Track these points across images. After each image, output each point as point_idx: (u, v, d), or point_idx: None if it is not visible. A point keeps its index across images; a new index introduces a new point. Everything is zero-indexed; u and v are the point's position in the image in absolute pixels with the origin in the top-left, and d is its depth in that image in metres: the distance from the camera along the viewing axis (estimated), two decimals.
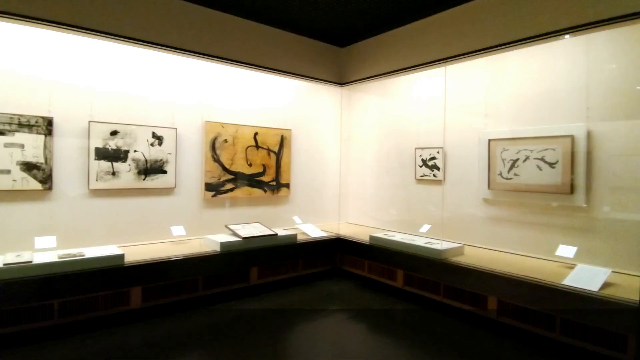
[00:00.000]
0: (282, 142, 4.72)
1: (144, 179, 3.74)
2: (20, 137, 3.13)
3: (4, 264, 2.68)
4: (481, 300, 3.22)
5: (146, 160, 3.75)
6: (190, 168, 4.06)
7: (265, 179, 4.59)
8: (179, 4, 3.54)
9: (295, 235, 4.21)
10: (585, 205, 3.17)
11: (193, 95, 4.05)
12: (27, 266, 2.74)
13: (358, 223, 5.29)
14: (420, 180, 4.45)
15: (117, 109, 3.60)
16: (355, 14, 3.95)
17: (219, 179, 4.23)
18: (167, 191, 3.92)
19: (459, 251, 3.67)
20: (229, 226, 4.03)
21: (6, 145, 3.07)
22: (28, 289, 2.70)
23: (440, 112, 4.18)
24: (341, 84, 4.91)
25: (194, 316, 3.33)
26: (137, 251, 3.45)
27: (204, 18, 3.71)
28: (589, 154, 3.15)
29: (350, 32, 4.46)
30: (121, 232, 3.64)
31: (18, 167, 3.13)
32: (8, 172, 3.09)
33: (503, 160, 3.67)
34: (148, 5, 3.37)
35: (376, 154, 5.03)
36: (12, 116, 3.10)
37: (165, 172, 3.86)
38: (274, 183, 4.67)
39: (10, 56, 3.11)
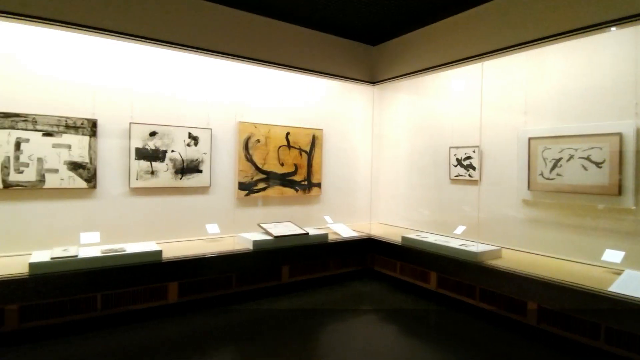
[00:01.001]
0: (314, 141, 4.74)
1: (180, 178, 3.87)
2: (68, 138, 3.32)
3: (52, 258, 2.85)
4: (520, 305, 3.09)
5: (183, 160, 3.87)
6: (224, 167, 4.16)
7: (296, 178, 4.62)
8: (211, 7, 3.63)
9: (326, 235, 4.21)
10: (634, 208, 2.97)
11: (227, 96, 4.15)
12: (73, 260, 2.90)
13: (389, 223, 5.22)
14: (455, 180, 4.33)
15: (155, 111, 3.74)
16: (388, 12, 3.90)
17: (252, 179, 4.30)
18: (203, 190, 4.03)
19: (496, 254, 3.53)
20: (261, 225, 4.09)
21: (54, 146, 3.27)
22: (74, 282, 2.86)
23: (477, 110, 4.04)
24: (373, 82, 4.86)
25: (227, 312, 3.41)
26: (174, 248, 3.57)
27: (237, 20, 3.78)
28: (638, 153, 2.95)
29: (382, 30, 4.41)
30: (159, 229, 3.79)
31: (65, 166, 3.32)
32: (56, 171, 3.28)
33: (544, 159, 3.50)
34: (183, 9, 3.48)
35: (409, 154, 4.94)
36: (60, 118, 3.29)
37: (200, 171, 3.97)
38: (306, 182, 4.69)
39: (59, 62, 3.30)
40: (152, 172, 3.72)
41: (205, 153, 4.00)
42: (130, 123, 3.60)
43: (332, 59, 4.47)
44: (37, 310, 2.80)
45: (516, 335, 3.05)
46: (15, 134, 3.12)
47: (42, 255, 2.92)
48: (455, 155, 4.31)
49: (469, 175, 4.17)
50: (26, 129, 3.16)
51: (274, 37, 4.01)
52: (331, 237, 4.28)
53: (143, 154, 3.67)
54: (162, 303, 3.27)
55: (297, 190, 4.63)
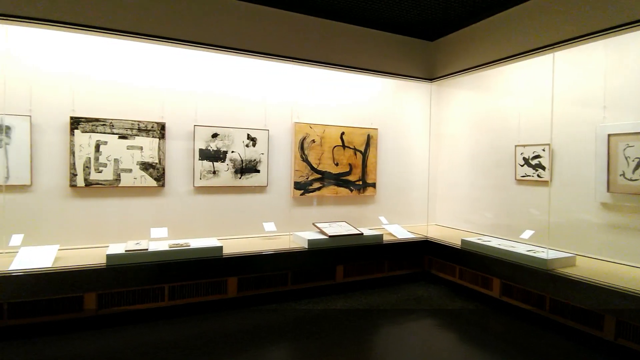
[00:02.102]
0: (369, 141, 4.68)
1: (239, 178, 4.02)
2: (140, 140, 3.60)
3: (126, 250, 3.10)
4: (595, 318, 2.80)
5: (242, 160, 4.03)
6: (280, 167, 4.26)
7: (351, 178, 4.60)
8: (267, 11, 3.70)
9: (381, 236, 4.14)
10: None
11: (283, 98, 4.24)
12: (144, 253, 3.13)
13: (448, 225, 5.01)
14: (522, 181, 4.05)
15: (217, 113, 3.93)
16: (448, 5, 3.74)
17: (307, 178, 4.36)
18: (260, 189, 4.16)
19: (569, 261, 3.25)
20: (316, 224, 4.12)
21: (128, 147, 3.56)
22: (145, 273, 3.09)
23: (547, 105, 3.74)
24: (430, 79, 4.69)
25: (283, 309, 3.48)
26: (234, 244, 3.72)
27: (292, 23, 3.84)
28: None
29: (441, 25, 4.24)
30: (220, 226, 3.97)
31: (138, 166, 3.60)
32: (130, 170, 3.57)
33: (627, 158, 3.15)
34: (241, 16, 3.60)
35: (469, 153, 4.71)
36: (134, 122, 3.57)
37: (258, 171, 4.10)
38: (360, 182, 4.66)
39: (132, 71, 3.58)
40: (214, 172, 3.91)
41: (262, 153, 4.12)
42: (194, 125, 3.81)
43: (388, 56, 4.39)
44: (113, 298, 3.06)
45: (591, 350, 2.78)
46: (95, 137, 3.44)
47: (117, 248, 3.19)
48: (522, 154, 4.02)
49: (538, 176, 3.87)
50: (104, 132, 3.47)
51: (329, 37, 4.03)
52: (386, 238, 4.20)
53: (206, 155, 3.87)
54: (222, 297, 3.42)
55: (351, 190, 4.61)
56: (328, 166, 4.47)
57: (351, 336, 2.99)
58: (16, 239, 3.09)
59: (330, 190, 4.49)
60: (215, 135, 3.90)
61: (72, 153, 3.36)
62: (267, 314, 3.36)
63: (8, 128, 3.17)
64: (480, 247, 3.75)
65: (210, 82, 3.90)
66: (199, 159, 3.85)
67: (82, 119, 3.39)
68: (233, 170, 3.99)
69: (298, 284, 3.74)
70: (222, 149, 3.94)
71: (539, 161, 3.86)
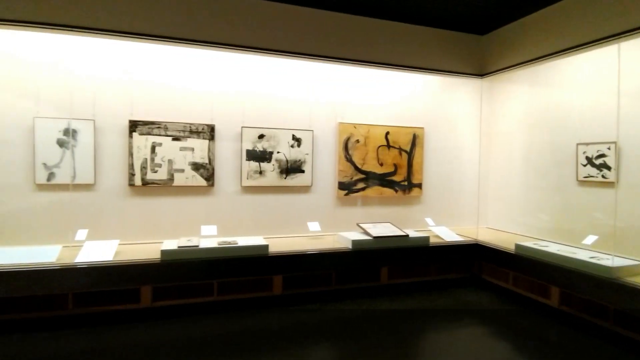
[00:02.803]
0: (415, 140, 4.57)
1: (285, 178, 4.08)
2: (191, 142, 3.76)
3: (179, 247, 3.25)
4: None
5: (287, 161, 4.08)
6: (324, 168, 4.27)
7: (396, 178, 4.51)
8: (310, 12, 3.72)
9: (427, 238, 4.02)
10: None
11: (328, 99, 4.25)
12: (195, 250, 3.27)
13: (500, 229, 4.76)
14: (584, 182, 3.75)
15: (263, 115, 4.01)
16: None
17: (351, 179, 4.33)
18: (305, 189, 4.19)
19: (637, 269, 2.95)
20: (361, 224, 4.09)
21: (181, 149, 3.73)
22: (195, 269, 3.22)
23: (612, 100, 3.44)
24: (481, 75, 4.49)
25: (326, 308, 3.48)
26: (279, 243, 3.78)
27: (335, 22, 3.83)
28: None
29: (492, 18, 4.03)
30: (266, 225, 4.05)
31: (189, 166, 3.77)
32: (182, 171, 3.74)
33: None
34: (284, 17, 3.65)
35: (524, 152, 4.44)
36: (186, 125, 3.74)
37: (303, 171, 4.14)
38: (406, 183, 4.55)
39: (185, 75, 3.76)
40: (260, 172, 4.00)
41: (307, 154, 4.15)
42: (242, 127, 3.92)
43: (435, 53, 4.25)
44: (167, 291, 3.23)
45: None
46: (151, 139, 3.64)
47: (170, 244, 3.35)
48: (584, 153, 3.72)
49: (603, 177, 3.57)
50: (159, 135, 3.66)
51: (374, 36, 3.97)
52: (433, 241, 4.07)
53: (252, 155, 3.97)
54: (267, 294, 3.49)
55: (396, 191, 4.52)
56: (372, 166, 4.41)
57: (395, 339, 2.93)
58: (81, 234, 3.35)
59: (374, 191, 4.43)
60: (261, 136, 3.99)
61: (131, 154, 3.59)
62: (311, 313, 3.38)
63: (75, 131, 3.45)
64: (537, 253, 3.52)
65: (257, 84, 3.99)
66: (246, 160, 3.95)
67: (140, 122, 3.60)
68: (278, 170, 4.06)
69: (342, 284, 3.73)
70: (268, 150, 4.02)
71: (603, 160, 3.55)
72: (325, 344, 2.87)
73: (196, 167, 3.79)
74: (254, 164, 3.98)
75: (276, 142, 4.04)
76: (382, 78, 4.44)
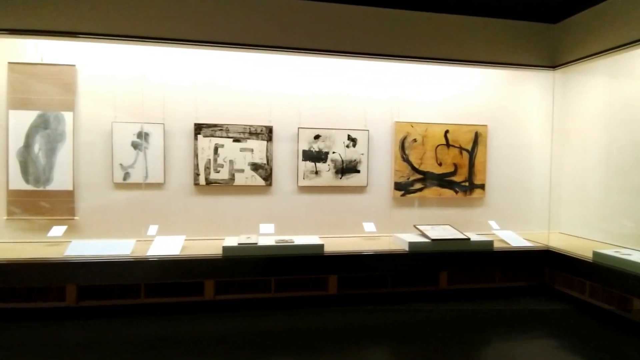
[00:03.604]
0: (477, 139, 4.33)
1: (340, 178, 4.09)
2: (251, 143, 3.91)
3: (239, 243, 3.39)
4: None
5: (342, 161, 4.09)
6: (380, 168, 4.20)
7: (456, 179, 4.32)
8: (363, 10, 3.67)
9: (491, 242, 3.79)
10: None
11: (383, 97, 4.18)
12: (254, 247, 3.38)
13: (574, 234, 4.35)
14: None
15: (319, 116, 4.05)
16: None
17: (408, 179, 4.22)
18: (360, 189, 4.16)
19: None
20: (418, 226, 3.96)
21: (241, 150, 3.89)
22: (254, 266, 3.34)
23: None
24: (553, 67, 4.14)
25: (382, 310, 3.42)
26: (334, 243, 3.79)
27: (391, 19, 3.75)
28: None
29: (566, 4, 3.70)
30: (321, 225, 4.09)
31: (249, 167, 3.91)
32: (242, 171, 3.90)
33: None
34: (338, 17, 3.65)
35: (603, 150, 4.01)
36: (245, 126, 3.89)
37: (358, 171, 4.12)
38: (467, 184, 4.33)
39: (244, 79, 3.91)
40: (316, 172, 4.05)
41: (362, 154, 4.12)
42: (298, 128, 3.99)
43: (501, 45, 4.00)
44: (228, 286, 3.38)
45: None
46: (214, 140, 3.84)
47: (231, 241, 3.50)
48: None
49: None
50: (221, 137, 3.85)
51: (433, 31, 3.83)
52: (497, 245, 3.83)
53: (309, 156, 4.03)
54: (323, 293, 3.51)
55: (456, 192, 4.32)
56: (431, 166, 4.26)
57: (456, 348, 2.79)
58: (152, 229, 3.62)
59: (432, 192, 4.27)
60: (317, 137, 4.03)
61: (196, 155, 3.81)
62: (367, 315, 3.34)
63: (147, 134, 3.74)
64: (618, 261, 3.17)
65: (313, 85, 4.04)
66: (303, 160, 4.02)
67: (204, 125, 3.81)
68: (334, 170, 4.07)
69: (398, 287, 3.65)
70: (324, 150, 4.05)
71: None
72: (383, 346, 2.81)
73: (255, 167, 3.93)
74: (310, 164, 4.03)
75: (332, 142, 4.06)
76: (440, 74, 4.27)
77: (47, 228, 3.52)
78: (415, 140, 4.22)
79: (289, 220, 4.00)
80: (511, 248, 3.84)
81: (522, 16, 3.99)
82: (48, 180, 3.60)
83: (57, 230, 3.51)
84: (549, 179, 4.51)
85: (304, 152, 4.01)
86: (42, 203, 3.59)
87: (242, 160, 3.90)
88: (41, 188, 3.59)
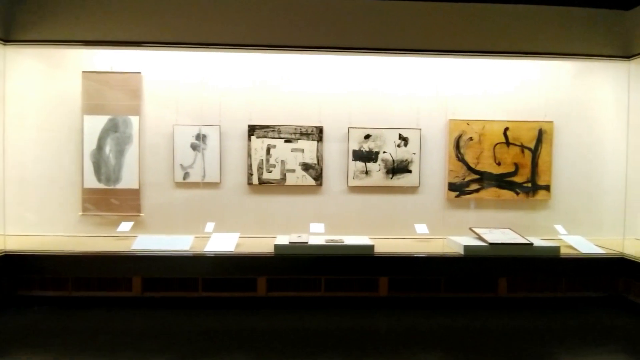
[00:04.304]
0: (540, 136, 4.04)
1: (391, 178, 4.01)
2: (302, 143, 3.96)
3: (290, 242, 3.44)
4: None
5: (393, 161, 4.01)
6: (433, 168, 4.07)
7: (517, 179, 4.06)
8: (418, 5, 3.57)
9: (557, 248, 3.51)
10: None
11: (437, 95, 4.04)
12: (305, 246, 3.42)
13: None
14: None
15: (369, 115, 4.01)
16: None
17: (463, 179, 4.04)
18: (412, 190, 4.06)
19: None
20: (474, 229, 3.78)
21: (292, 150, 3.95)
22: (305, 264, 3.37)
23: None
24: (628, 57, 3.75)
25: (435, 316, 3.30)
26: (385, 244, 3.72)
27: (445, 13, 3.61)
28: None
29: None
30: (371, 225, 4.03)
31: (300, 167, 3.97)
32: (293, 171, 3.96)
33: None
34: (386, 14, 3.58)
35: None
36: (296, 127, 3.95)
37: (410, 171, 4.01)
38: (529, 184, 4.06)
39: (295, 80, 3.97)
40: (366, 172, 4.00)
41: (414, 153, 4.01)
42: (348, 128, 3.98)
43: (567, 35, 3.69)
44: (279, 283, 3.45)
45: None
46: (267, 141, 3.94)
47: (283, 239, 3.56)
48: None
49: None
50: (273, 137, 3.94)
51: (492, 22, 3.63)
52: (564, 252, 3.54)
53: (359, 156, 4.00)
54: (373, 295, 3.47)
55: (517, 193, 4.06)
56: (488, 166, 4.04)
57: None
58: (209, 226, 3.79)
59: (490, 193, 4.05)
60: (367, 137, 3.99)
61: (249, 156, 3.93)
62: (419, 319, 3.24)
63: (204, 136, 3.92)
64: None
65: (363, 84, 4.01)
66: (353, 160, 3.99)
67: (257, 126, 3.93)
68: (384, 170, 4.01)
69: (452, 292, 3.50)
70: (374, 150, 4.00)
71: None
72: (435, 353, 2.71)
73: (306, 167, 3.97)
74: (360, 164, 4.00)
75: (382, 141, 4.00)
76: (498, 67, 4.04)
77: (116, 223, 3.83)
78: (471, 138, 4.03)
79: (339, 220, 4.00)
80: (580, 255, 3.53)
81: (591, 3, 3.66)
82: (117, 180, 3.91)
83: (125, 226, 3.80)
84: (624, 179, 4.09)
85: (354, 152, 3.99)
86: (112, 200, 3.91)
87: (293, 161, 3.96)
88: (111, 186, 3.90)
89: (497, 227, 3.90)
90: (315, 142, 3.97)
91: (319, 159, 3.97)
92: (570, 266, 3.50)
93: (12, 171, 3.82)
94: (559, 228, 3.96)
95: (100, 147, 3.89)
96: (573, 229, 3.99)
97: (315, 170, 3.98)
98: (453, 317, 3.28)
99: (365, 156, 4.00)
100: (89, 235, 3.89)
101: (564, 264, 3.49)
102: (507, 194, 4.05)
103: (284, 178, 3.96)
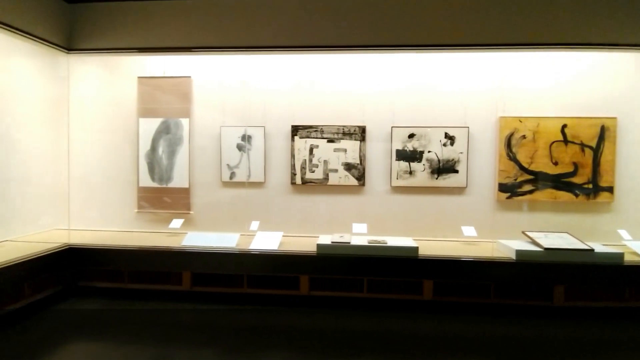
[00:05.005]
0: (603, 134, 3.74)
1: (436, 178, 3.89)
2: (344, 143, 3.94)
3: (332, 242, 3.44)
4: None
5: (439, 160, 3.88)
6: (482, 167, 3.89)
7: (576, 180, 3.78)
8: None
9: (621, 255, 3.23)
10: None
11: (486, 91, 3.85)
12: (347, 246, 3.40)
13: None
14: None
15: (414, 114, 3.91)
16: None
17: (515, 180, 3.83)
18: (459, 191, 3.91)
19: None
20: (528, 233, 3.57)
21: (335, 150, 3.95)
22: (347, 264, 3.36)
23: None
24: None
25: (483, 322, 3.15)
26: (429, 246, 3.61)
27: (492, 4, 3.44)
28: None
29: None
30: (415, 226, 3.94)
31: (342, 167, 3.95)
32: (336, 171, 3.96)
33: None
34: (431, 9, 3.46)
35: None
36: (339, 127, 3.94)
37: (456, 171, 3.87)
38: (590, 186, 3.76)
39: (337, 80, 3.96)
40: (410, 172, 3.91)
41: (461, 152, 3.86)
42: (391, 127, 3.91)
43: (631, 23, 3.39)
44: (322, 282, 3.46)
45: None
46: (310, 142, 3.96)
47: (325, 239, 3.57)
48: None
49: None
50: (316, 137, 3.96)
51: (549, 12, 3.41)
52: (627, 259, 3.25)
53: (402, 155, 3.91)
54: (417, 298, 3.38)
55: (576, 195, 3.78)
56: (543, 165, 3.80)
57: None
58: (254, 225, 3.89)
59: (546, 194, 3.81)
60: (411, 136, 3.90)
61: (293, 156, 3.98)
62: (466, 325, 3.11)
63: (249, 137, 4.02)
64: None
65: (406, 82, 3.91)
66: (396, 160, 3.92)
67: (300, 127, 3.96)
68: (429, 170, 3.89)
69: (503, 299, 3.33)
70: (419, 149, 3.90)
71: None
72: None
73: (348, 167, 3.95)
74: (403, 164, 3.91)
75: (427, 141, 3.88)
76: (554, 60, 3.78)
77: (168, 220, 4.03)
78: (524, 136, 3.81)
79: (381, 221, 3.94)
80: None
81: None
82: (169, 179, 4.11)
83: (176, 223, 3.99)
84: None
85: (398, 151, 3.91)
86: (164, 198, 4.12)
87: (336, 160, 3.96)
88: (164, 185, 4.11)
89: (553, 231, 3.66)
90: (358, 142, 3.94)
91: (362, 158, 3.94)
92: (634, 274, 3.20)
93: (75, 171, 4.14)
94: (623, 233, 3.64)
95: (153, 148, 4.11)
96: (638, 234, 3.66)
97: (358, 170, 3.95)
98: (503, 325, 3.12)
99: (409, 156, 3.91)
100: (143, 231, 4.13)
101: (627, 272, 3.20)
102: (564, 195, 3.79)
103: (326, 178, 3.97)
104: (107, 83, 4.18)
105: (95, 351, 2.69)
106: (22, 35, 3.28)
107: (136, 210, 4.16)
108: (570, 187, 3.78)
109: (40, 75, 3.89)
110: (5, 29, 3.13)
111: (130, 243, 3.64)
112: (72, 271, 3.62)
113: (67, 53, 3.76)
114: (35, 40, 3.43)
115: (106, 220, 4.21)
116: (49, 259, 3.37)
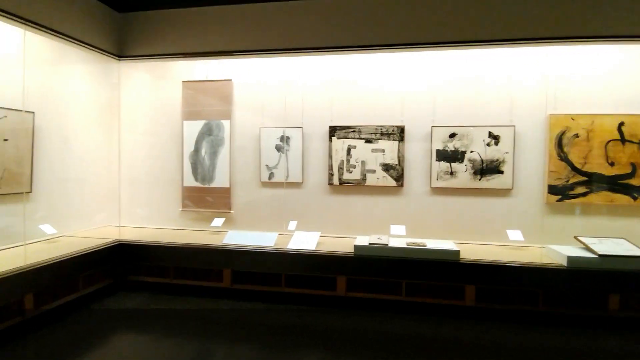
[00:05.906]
0: None
1: (479, 179, 3.74)
2: (382, 143, 3.89)
3: (369, 243, 3.40)
4: None
5: (482, 161, 3.73)
6: (529, 168, 3.69)
7: (635, 182, 3.49)
8: None
9: None
10: None
11: (533, 88, 3.66)
12: (385, 248, 3.35)
13: None
14: None
15: (455, 113, 3.79)
16: None
17: (567, 181, 3.60)
18: (504, 192, 3.73)
19: None
20: (580, 238, 3.34)
21: (373, 150, 3.91)
22: (385, 266, 3.31)
23: None
24: None
25: (530, 333, 2.99)
26: (472, 249, 3.48)
27: None
28: None
29: None
30: (457, 229, 3.81)
31: (380, 167, 3.90)
32: (373, 171, 3.91)
33: None
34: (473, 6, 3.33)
35: None
36: (377, 127, 3.89)
37: (501, 172, 3.70)
38: None
39: (375, 79, 3.91)
40: (451, 173, 3.79)
41: (507, 152, 3.69)
42: (431, 127, 3.81)
43: None
44: (359, 284, 3.43)
45: None
46: (347, 142, 3.95)
47: (362, 240, 3.54)
48: None
49: None
50: (354, 138, 3.94)
51: (596, 2, 3.19)
52: None
53: (443, 156, 3.80)
54: (459, 303, 3.26)
55: (634, 198, 3.50)
56: (598, 166, 3.55)
57: None
58: (292, 224, 3.93)
59: (601, 197, 3.55)
60: (453, 135, 3.78)
61: (330, 156, 3.98)
62: (510, 334, 2.97)
63: (288, 138, 4.07)
64: None
65: (447, 80, 3.80)
66: (436, 160, 3.81)
67: (338, 127, 3.96)
68: (472, 171, 3.75)
69: (553, 307, 3.14)
70: (460, 149, 3.77)
71: None
72: None
73: (386, 167, 3.90)
74: (444, 165, 3.80)
75: (469, 140, 3.75)
76: (610, 53, 3.52)
77: (210, 219, 4.17)
78: (577, 135, 3.58)
79: (420, 223, 3.85)
80: None
81: None
82: (211, 179, 4.25)
83: (218, 222, 4.12)
84: None
85: (438, 151, 3.80)
86: (207, 198, 4.26)
87: (374, 161, 3.91)
88: (206, 185, 4.26)
89: (608, 236, 3.41)
90: (397, 142, 3.87)
91: (400, 159, 3.87)
92: None
93: (125, 171, 4.39)
94: None
95: (197, 150, 4.27)
96: None
97: (396, 171, 3.88)
98: (551, 335, 2.94)
99: (450, 156, 3.79)
100: (187, 229, 4.29)
101: None
102: (622, 198, 3.52)
103: (364, 178, 3.93)
104: (154, 88, 4.40)
105: (141, 343, 2.83)
106: (77, 44, 3.51)
107: (180, 209, 4.34)
108: (627, 190, 3.50)
109: (94, 81, 4.16)
110: (63, 39, 3.36)
111: (175, 240, 3.80)
112: (122, 266, 3.83)
113: (119, 60, 3.99)
114: (89, 49, 3.67)
115: (153, 218, 4.42)
116: (101, 254, 3.59)
